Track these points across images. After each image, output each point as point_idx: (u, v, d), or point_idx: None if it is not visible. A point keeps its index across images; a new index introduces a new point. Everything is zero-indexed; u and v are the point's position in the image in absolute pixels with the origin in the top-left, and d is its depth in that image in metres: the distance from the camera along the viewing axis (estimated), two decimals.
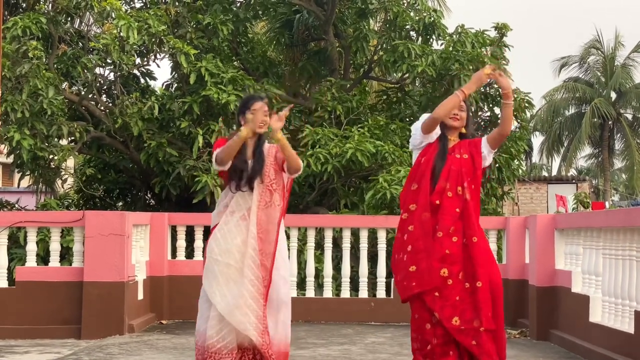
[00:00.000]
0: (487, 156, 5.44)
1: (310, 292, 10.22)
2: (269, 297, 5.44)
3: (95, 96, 13.23)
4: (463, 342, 5.11)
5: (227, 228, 5.47)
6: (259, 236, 5.46)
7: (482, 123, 15.02)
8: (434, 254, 5.19)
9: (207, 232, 10.67)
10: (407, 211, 5.36)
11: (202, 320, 5.47)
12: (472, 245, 5.22)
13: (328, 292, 10.30)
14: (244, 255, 5.41)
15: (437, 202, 5.26)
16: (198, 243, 10.34)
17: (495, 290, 5.22)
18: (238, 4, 15.12)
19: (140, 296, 9.48)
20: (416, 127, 5.53)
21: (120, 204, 15.26)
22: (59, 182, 14.02)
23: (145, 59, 13.69)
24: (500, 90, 5.77)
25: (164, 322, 9.86)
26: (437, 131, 5.47)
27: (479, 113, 14.92)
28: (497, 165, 13.87)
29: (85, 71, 12.55)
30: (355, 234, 10.77)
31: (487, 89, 14.35)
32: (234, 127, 13.22)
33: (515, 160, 14.54)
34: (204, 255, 5.68)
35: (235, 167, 5.49)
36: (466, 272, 5.20)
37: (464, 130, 5.47)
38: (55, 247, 9.18)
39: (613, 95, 41.60)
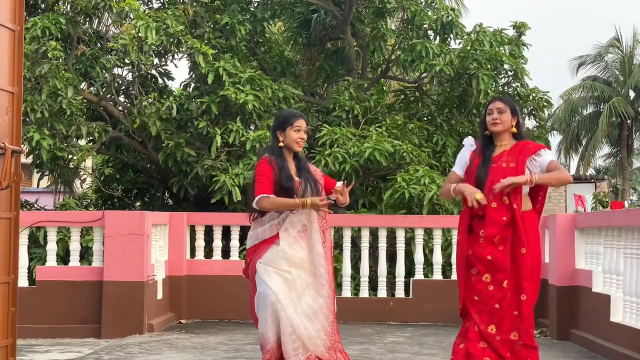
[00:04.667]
0: (533, 170, 5.17)
1: None
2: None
3: (113, 96, 13.29)
4: (499, 350, 5.03)
5: (287, 243, 5.22)
6: (323, 252, 5.31)
7: None
8: (472, 262, 5.14)
9: (226, 232, 10.83)
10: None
11: (272, 333, 5.14)
12: (519, 257, 5.09)
13: (347, 292, 10.30)
14: (311, 272, 5.26)
15: (481, 213, 5.12)
16: (217, 243, 10.37)
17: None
18: (255, 4, 15.15)
19: (160, 296, 9.52)
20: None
21: (139, 203, 15.31)
22: (78, 182, 14.09)
23: (163, 59, 13.75)
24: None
25: (183, 321, 9.89)
26: (472, 144, 5.39)
27: None
28: None
29: (104, 71, 12.60)
30: (373, 234, 10.75)
31: (506, 88, 14.31)
32: (252, 127, 13.32)
33: None
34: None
35: (283, 187, 5.24)
36: (511, 282, 5.09)
37: (514, 130, 5.26)
38: (75, 246, 9.24)
39: (632, 94, 41.28)
